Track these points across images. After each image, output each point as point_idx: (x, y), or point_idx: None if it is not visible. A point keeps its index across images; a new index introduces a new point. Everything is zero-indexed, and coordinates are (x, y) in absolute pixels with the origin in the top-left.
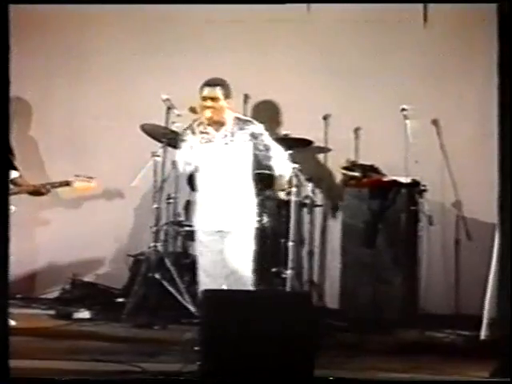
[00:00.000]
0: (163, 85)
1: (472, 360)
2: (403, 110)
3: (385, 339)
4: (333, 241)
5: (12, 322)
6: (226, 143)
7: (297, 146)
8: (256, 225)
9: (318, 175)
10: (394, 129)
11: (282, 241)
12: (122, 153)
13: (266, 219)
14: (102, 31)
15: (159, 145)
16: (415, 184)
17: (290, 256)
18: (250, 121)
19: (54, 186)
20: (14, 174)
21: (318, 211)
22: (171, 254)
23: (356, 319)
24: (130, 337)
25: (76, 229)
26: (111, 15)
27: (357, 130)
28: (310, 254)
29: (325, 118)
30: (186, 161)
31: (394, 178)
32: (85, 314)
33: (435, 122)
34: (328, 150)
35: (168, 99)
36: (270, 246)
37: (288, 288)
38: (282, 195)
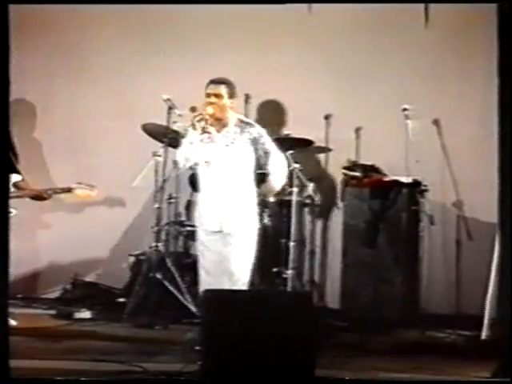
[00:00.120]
0: (164, 85)
1: (473, 360)
2: (404, 109)
3: (386, 339)
4: (334, 241)
5: (13, 322)
6: (227, 145)
7: (298, 145)
8: (258, 225)
9: (319, 175)
10: (394, 129)
11: (283, 241)
12: (123, 153)
13: (267, 219)
14: (103, 31)
15: (160, 145)
16: (416, 184)
17: (291, 256)
18: (252, 124)
19: (56, 191)
20: (16, 178)
21: (319, 211)
22: (172, 253)
23: (357, 319)
24: (130, 337)
25: (77, 229)
26: (112, 15)
27: (358, 130)
28: (311, 253)
29: (326, 117)
30: (186, 156)
31: (395, 177)
32: (86, 313)
33: (436, 122)
34: (329, 150)
35: (169, 99)
36: (271, 246)
37: (289, 288)
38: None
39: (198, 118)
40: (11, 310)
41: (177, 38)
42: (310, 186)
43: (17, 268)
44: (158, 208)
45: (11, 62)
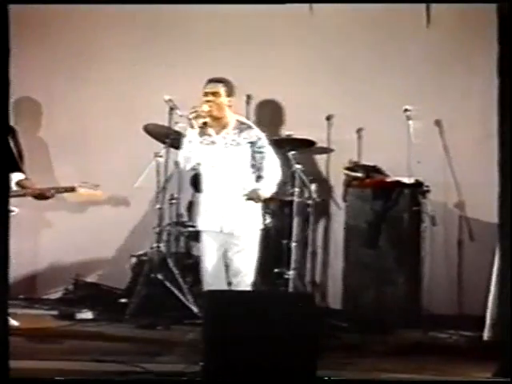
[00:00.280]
0: (166, 85)
1: (475, 361)
2: (406, 110)
3: (387, 339)
4: (336, 241)
5: (15, 323)
6: (227, 146)
7: (300, 146)
8: (260, 226)
9: (321, 176)
10: (396, 129)
11: (285, 241)
12: (125, 153)
13: (268, 220)
14: (104, 31)
15: (162, 145)
16: (418, 184)
17: (293, 256)
18: (251, 126)
19: (59, 190)
20: (19, 177)
21: (321, 212)
22: (174, 254)
23: (359, 319)
24: (132, 337)
25: (78, 229)
26: (113, 15)
27: (359, 131)
28: (313, 254)
29: (328, 118)
30: (186, 156)
31: (397, 178)
32: (87, 314)
33: (438, 123)
34: (331, 151)
35: (171, 100)
36: (273, 247)
37: (291, 288)
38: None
39: (193, 115)
40: (13, 310)
41: (178, 38)
42: (312, 187)
43: (18, 269)
44: (160, 209)
45: (11, 62)
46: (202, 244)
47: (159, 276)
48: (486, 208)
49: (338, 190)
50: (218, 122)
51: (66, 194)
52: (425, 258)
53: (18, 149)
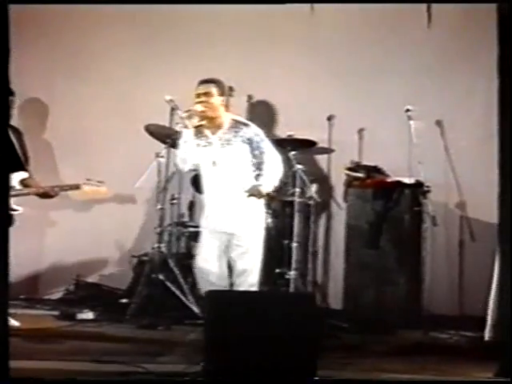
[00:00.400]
0: (167, 85)
1: (476, 361)
2: (407, 110)
3: (388, 340)
4: (336, 241)
5: (16, 323)
6: (223, 145)
7: (301, 146)
8: (264, 225)
9: (322, 176)
10: (397, 129)
11: (286, 241)
12: (126, 154)
13: (269, 220)
14: (105, 32)
15: (163, 145)
16: (419, 185)
17: (294, 257)
18: (247, 124)
19: (63, 189)
20: (22, 175)
21: (322, 212)
22: (175, 254)
23: (359, 320)
24: (133, 337)
25: (79, 230)
26: (113, 15)
27: (360, 131)
28: (314, 254)
29: (329, 118)
30: (182, 157)
31: (398, 178)
32: (88, 314)
33: (439, 123)
34: (332, 151)
35: (172, 100)
36: (274, 247)
37: (291, 289)
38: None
39: (186, 115)
40: (14, 310)
41: (178, 38)
42: (313, 187)
43: (19, 269)
44: (161, 209)
45: (11, 62)
46: (202, 244)
47: (160, 276)
48: (486, 208)
49: (339, 190)
50: (213, 123)
51: (70, 193)
52: (425, 258)
53: (23, 150)
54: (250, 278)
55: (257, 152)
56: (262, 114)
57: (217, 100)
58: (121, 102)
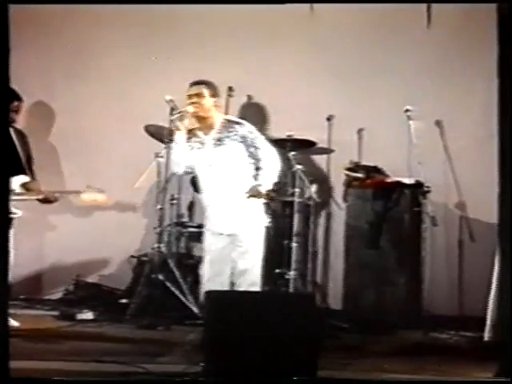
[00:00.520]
0: (167, 85)
1: (476, 361)
2: (407, 110)
3: (388, 340)
4: (336, 242)
5: (15, 323)
6: (216, 146)
7: (300, 147)
8: (264, 225)
9: (322, 176)
10: (397, 130)
11: (286, 242)
12: (126, 154)
13: (269, 220)
14: (105, 32)
15: (163, 146)
16: (418, 185)
17: (294, 257)
18: (240, 122)
19: (63, 194)
20: (23, 179)
21: (322, 212)
22: (174, 254)
23: (359, 320)
24: (133, 338)
25: (79, 230)
26: (113, 16)
27: (360, 131)
28: (314, 254)
29: (328, 118)
30: (176, 160)
31: (398, 178)
32: (88, 314)
33: (439, 123)
34: (331, 151)
35: (171, 100)
36: (274, 247)
37: (291, 289)
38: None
39: (177, 116)
40: (14, 311)
41: (178, 38)
42: (313, 187)
43: (19, 269)
44: (161, 209)
45: (11, 63)
46: (204, 244)
47: (160, 276)
48: (486, 208)
49: (339, 191)
50: (205, 123)
51: (71, 197)
52: (425, 258)
53: (28, 153)
54: (250, 278)
55: (252, 149)
56: (254, 115)
57: (208, 101)
58: (120, 102)
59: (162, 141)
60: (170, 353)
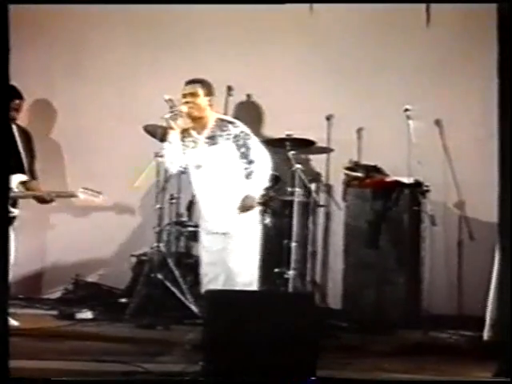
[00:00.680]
0: (166, 85)
1: (475, 361)
2: (406, 110)
3: (388, 340)
4: (335, 241)
5: (15, 323)
6: (209, 145)
7: (300, 146)
8: (259, 224)
9: (321, 175)
10: (396, 129)
11: (285, 241)
12: (125, 153)
13: (268, 219)
14: (104, 32)
15: (162, 145)
16: (418, 184)
17: (293, 256)
18: (233, 122)
19: (59, 195)
20: (21, 178)
21: (321, 211)
22: (174, 254)
23: (359, 320)
24: (132, 337)
25: (79, 229)
26: (113, 15)
27: (359, 131)
28: (313, 254)
29: (327, 118)
30: (170, 159)
31: (397, 178)
32: (87, 314)
33: (438, 123)
34: (331, 151)
35: (171, 99)
36: (273, 247)
37: (291, 288)
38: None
39: (170, 115)
40: (13, 310)
41: (178, 38)
42: (312, 187)
43: (19, 268)
44: (160, 208)
45: (11, 62)
46: (200, 245)
47: (159, 276)
48: (485, 208)
49: (338, 190)
50: (199, 123)
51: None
52: (425, 258)
53: (31, 151)
54: (244, 278)
55: (243, 149)
56: (250, 114)
57: (203, 100)
58: (119, 101)
59: (161, 140)
60: (170, 352)
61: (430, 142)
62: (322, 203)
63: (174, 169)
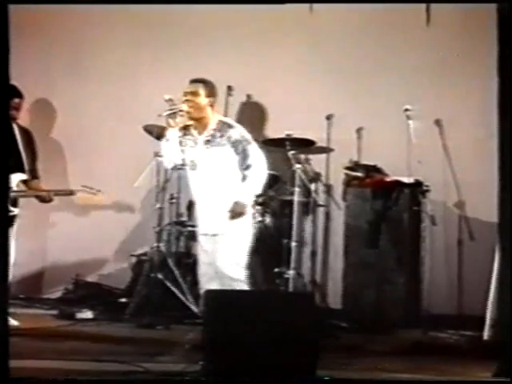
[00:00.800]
0: (166, 85)
1: (475, 360)
2: (406, 110)
3: (388, 339)
4: (335, 241)
5: (15, 323)
6: (208, 147)
7: (299, 146)
8: (248, 227)
9: (321, 175)
10: (396, 129)
11: (285, 241)
12: (125, 153)
13: (268, 219)
14: (104, 32)
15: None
16: (418, 184)
17: (293, 256)
18: (232, 125)
19: (58, 193)
20: (21, 177)
21: (321, 211)
22: (174, 254)
23: (359, 319)
24: (132, 337)
25: (79, 229)
26: (113, 15)
27: (359, 130)
28: (313, 254)
29: (327, 118)
30: (168, 157)
31: (397, 178)
32: (88, 314)
33: (438, 122)
34: (331, 150)
35: (171, 99)
36: (273, 247)
37: (291, 288)
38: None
39: (167, 113)
40: (14, 310)
41: (178, 37)
42: (312, 187)
43: (19, 268)
44: (160, 208)
45: (12, 63)
46: (198, 244)
47: (159, 276)
48: (485, 208)
49: (338, 190)
50: (200, 123)
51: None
52: (425, 257)
53: (32, 150)
54: (226, 281)
55: (241, 155)
56: (253, 114)
57: (203, 100)
58: (119, 101)
59: (158, 137)
60: (170, 352)
61: (430, 142)
62: (321, 203)
63: (169, 165)
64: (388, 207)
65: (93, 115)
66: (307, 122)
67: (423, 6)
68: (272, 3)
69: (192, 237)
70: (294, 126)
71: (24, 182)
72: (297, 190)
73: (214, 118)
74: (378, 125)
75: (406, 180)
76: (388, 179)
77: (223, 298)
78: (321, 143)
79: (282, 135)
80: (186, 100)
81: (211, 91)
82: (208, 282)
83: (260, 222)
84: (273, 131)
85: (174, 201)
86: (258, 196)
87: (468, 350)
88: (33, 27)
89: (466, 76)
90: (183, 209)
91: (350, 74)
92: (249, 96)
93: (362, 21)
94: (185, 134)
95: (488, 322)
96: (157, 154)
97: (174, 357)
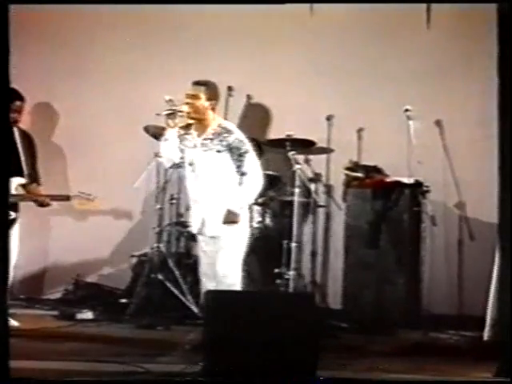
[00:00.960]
0: (166, 86)
1: (475, 361)
2: (406, 110)
3: (388, 340)
4: (336, 241)
5: (15, 323)
6: (206, 150)
7: (300, 146)
8: (245, 229)
9: (321, 176)
10: (396, 129)
11: (285, 241)
12: (125, 154)
13: (268, 220)
14: (104, 32)
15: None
16: (418, 184)
17: (293, 257)
18: (231, 131)
19: (54, 198)
20: (19, 181)
21: (321, 212)
22: (174, 254)
23: (359, 320)
24: (133, 337)
25: (79, 229)
26: (113, 16)
27: (360, 131)
28: (313, 254)
29: (328, 118)
30: (166, 156)
31: (397, 178)
32: (88, 314)
33: (438, 123)
34: (331, 151)
35: (171, 100)
36: (273, 247)
37: (291, 289)
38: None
39: (166, 113)
40: (14, 310)
41: (178, 39)
42: (312, 187)
43: (19, 269)
44: (160, 209)
45: (11, 63)
46: (198, 245)
47: (159, 276)
48: (485, 208)
49: (338, 190)
50: (200, 125)
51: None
52: (425, 257)
53: (33, 155)
54: (225, 280)
55: (237, 162)
56: (257, 116)
57: (203, 103)
58: (121, 103)
59: (156, 137)
60: (170, 352)
61: (430, 142)
62: (322, 203)
63: (168, 164)
64: (388, 207)
65: (94, 118)
66: (307, 123)
67: (424, 6)
68: (272, 3)
69: (192, 237)
70: (295, 126)
71: (23, 185)
72: (297, 190)
73: (214, 121)
74: (378, 125)
75: (406, 180)
76: (388, 180)
77: (223, 299)
78: (321, 144)
79: (283, 135)
80: (187, 102)
81: (213, 94)
82: (208, 282)
83: (260, 222)
84: (273, 132)
85: (174, 201)
86: (258, 197)
87: (468, 350)
88: (34, 28)
89: (465, 77)
90: (183, 209)
91: (351, 75)
92: (249, 96)
93: (363, 21)
94: (185, 133)
95: (488, 322)
96: (157, 155)
97: (174, 357)
